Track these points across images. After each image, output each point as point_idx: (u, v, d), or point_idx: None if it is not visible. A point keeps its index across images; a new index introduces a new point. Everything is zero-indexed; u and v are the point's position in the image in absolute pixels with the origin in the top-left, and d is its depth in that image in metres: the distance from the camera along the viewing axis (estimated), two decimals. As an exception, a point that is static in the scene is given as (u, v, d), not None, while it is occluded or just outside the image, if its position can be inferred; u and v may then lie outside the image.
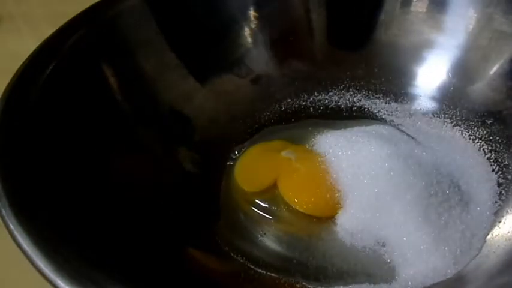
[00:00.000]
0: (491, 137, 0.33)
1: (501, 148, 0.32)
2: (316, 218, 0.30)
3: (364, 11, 0.39)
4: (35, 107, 0.26)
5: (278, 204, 0.31)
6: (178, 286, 0.24)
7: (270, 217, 0.30)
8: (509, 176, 0.31)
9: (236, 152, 0.35)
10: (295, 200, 0.30)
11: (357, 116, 0.38)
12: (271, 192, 0.31)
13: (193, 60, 0.36)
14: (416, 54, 0.38)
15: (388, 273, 0.27)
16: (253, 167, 0.33)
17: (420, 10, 0.38)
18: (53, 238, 0.20)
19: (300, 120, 0.37)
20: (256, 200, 0.31)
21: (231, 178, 0.33)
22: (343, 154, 0.31)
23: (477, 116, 0.35)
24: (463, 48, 0.36)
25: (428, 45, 0.38)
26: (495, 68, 0.35)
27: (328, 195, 0.30)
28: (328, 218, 0.30)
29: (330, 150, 0.31)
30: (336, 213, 0.29)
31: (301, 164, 0.31)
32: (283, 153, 0.32)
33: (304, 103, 0.39)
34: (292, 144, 0.34)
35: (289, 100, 0.39)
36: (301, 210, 0.30)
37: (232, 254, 0.28)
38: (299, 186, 0.31)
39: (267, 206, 0.31)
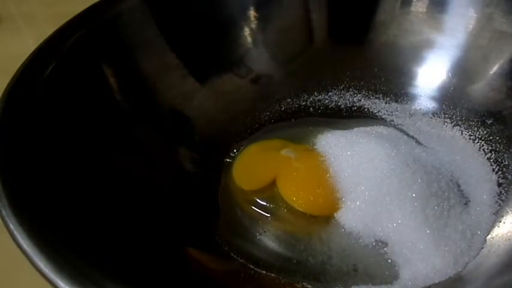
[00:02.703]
0: (491, 137, 0.33)
1: (501, 148, 0.32)
2: (316, 218, 0.30)
3: (364, 11, 0.39)
4: (35, 107, 0.26)
5: (277, 202, 0.31)
6: (178, 286, 0.24)
7: (270, 216, 0.30)
8: (509, 176, 0.31)
9: (235, 150, 0.35)
10: (294, 199, 0.30)
11: (357, 116, 0.38)
12: (270, 191, 0.31)
13: (193, 60, 0.36)
14: (416, 54, 0.38)
15: (389, 273, 0.27)
16: (251, 165, 0.33)
17: (420, 10, 0.38)
18: (53, 238, 0.20)
19: (300, 120, 0.37)
20: (256, 199, 0.31)
21: (230, 177, 0.33)
22: (342, 154, 0.31)
23: (477, 116, 0.35)
24: (463, 48, 0.36)
25: (428, 45, 0.38)
26: (495, 68, 0.35)
27: (326, 195, 0.30)
28: (327, 218, 0.30)
29: (330, 150, 0.31)
30: (334, 213, 0.29)
31: (301, 163, 0.31)
32: (283, 152, 0.32)
33: (304, 103, 0.39)
34: (291, 143, 0.34)
35: (289, 100, 0.39)
36: (300, 208, 0.30)
37: (232, 254, 0.28)
38: (298, 185, 0.31)
39: (266, 204, 0.31)
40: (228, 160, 0.34)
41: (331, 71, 0.39)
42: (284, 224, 0.30)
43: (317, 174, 0.31)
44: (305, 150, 0.32)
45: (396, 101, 0.38)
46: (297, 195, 0.30)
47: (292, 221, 0.30)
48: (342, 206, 0.29)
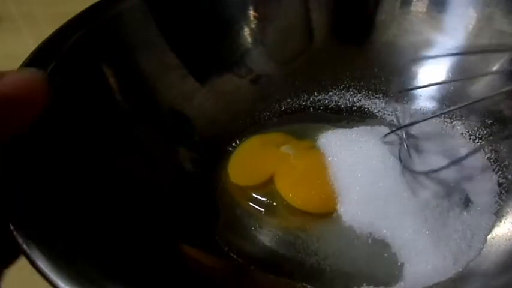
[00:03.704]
0: (491, 137, 0.33)
1: (501, 148, 0.32)
2: (314, 216, 0.30)
3: (364, 11, 0.39)
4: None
5: (276, 199, 0.31)
6: (178, 286, 0.24)
7: (269, 213, 0.30)
8: (509, 176, 0.31)
9: (233, 144, 0.35)
10: (290, 195, 0.30)
11: (356, 115, 0.38)
12: (268, 188, 0.31)
13: (193, 60, 0.36)
14: (416, 54, 0.38)
15: (388, 273, 0.27)
16: (248, 161, 0.33)
17: (420, 10, 0.38)
18: (53, 238, 0.20)
19: (299, 119, 0.37)
20: (254, 195, 0.31)
21: (228, 176, 0.33)
22: (341, 153, 0.31)
23: (477, 116, 0.35)
24: (463, 48, 0.36)
25: (428, 45, 0.38)
26: (495, 68, 0.34)
27: (324, 193, 0.30)
28: (326, 216, 0.30)
29: (329, 149, 0.32)
30: (332, 211, 0.29)
31: (300, 161, 0.31)
32: (283, 148, 0.32)
33: (304, 103, 0.39)
34: (292, 139, 0.33)
35: (289, 100, 0.39)
36: (296, 206, 0.30)
37: (232, 254, 0.29)
38: (295, 182, 0.31)
39: (265, 200, 0.31)
40: (227, 160, 0.34)
41: (331, 71, 0.39)
42: (284, 224, 0.30)
43: (315, 172, 0.31)
44: (305, 148, 0.32)
45: (396, 101, 0.38)
46: (293, 192, 0.30)
47: (292, 220, 0.30)
48: (341, 205, 0.29)
